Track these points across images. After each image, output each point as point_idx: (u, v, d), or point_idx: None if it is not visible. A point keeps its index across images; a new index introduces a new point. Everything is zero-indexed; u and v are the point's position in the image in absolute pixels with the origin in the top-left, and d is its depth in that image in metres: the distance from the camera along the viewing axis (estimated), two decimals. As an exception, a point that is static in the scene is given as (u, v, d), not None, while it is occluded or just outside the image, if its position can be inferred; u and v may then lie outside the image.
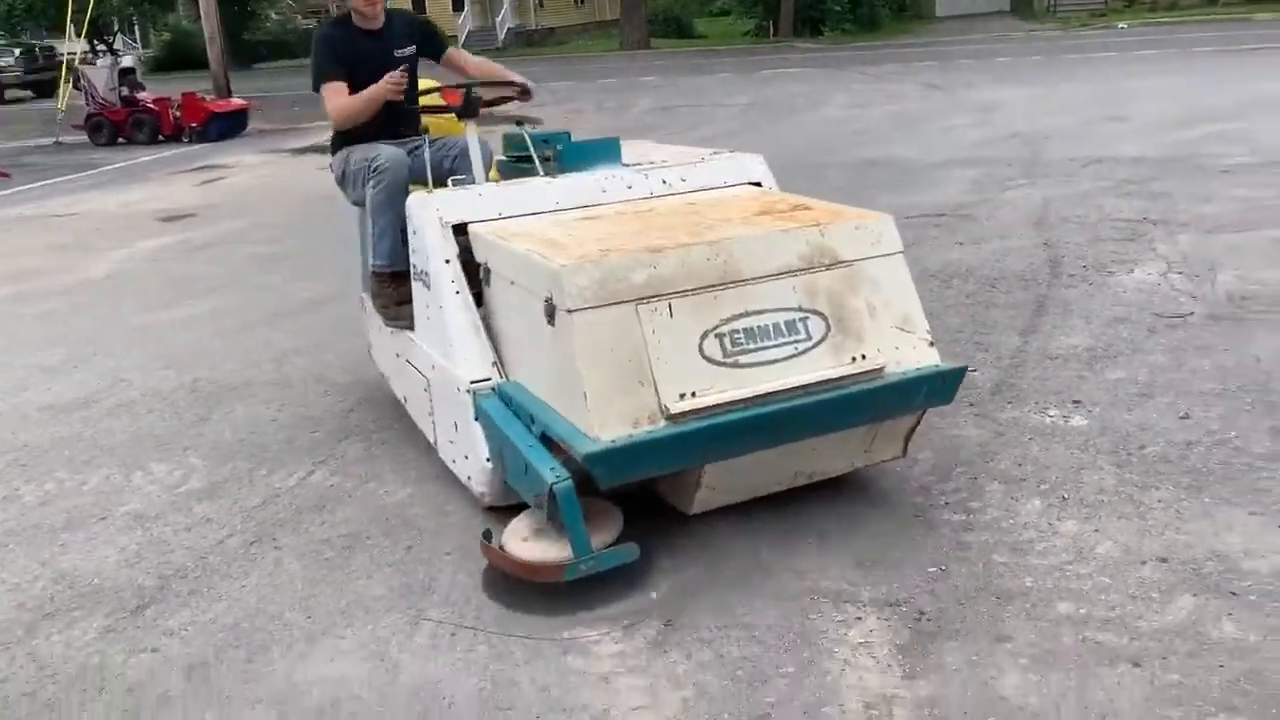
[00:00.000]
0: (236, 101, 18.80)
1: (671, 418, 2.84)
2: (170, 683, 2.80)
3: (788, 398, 2.93)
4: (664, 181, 3.78)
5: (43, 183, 13.96)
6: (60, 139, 18.46)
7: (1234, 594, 2.80)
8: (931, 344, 3.18)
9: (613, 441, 2.79)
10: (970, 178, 9.02)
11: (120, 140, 17.74)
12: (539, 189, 3.69)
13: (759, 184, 3.86)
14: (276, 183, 12.63)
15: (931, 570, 3.02)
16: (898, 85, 17.99)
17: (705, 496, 3.15)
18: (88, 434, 4.66)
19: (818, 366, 2.99)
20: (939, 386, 3.15)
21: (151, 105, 17.77)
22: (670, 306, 2.90)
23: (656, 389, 2.85)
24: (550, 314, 2.93)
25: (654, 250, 2.94)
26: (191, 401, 4.98)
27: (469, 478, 3.50)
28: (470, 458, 3.43)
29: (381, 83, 4.02)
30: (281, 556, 3.43)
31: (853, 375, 3.01)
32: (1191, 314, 5.05)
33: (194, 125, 17.47)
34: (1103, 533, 3.15)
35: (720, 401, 2.88)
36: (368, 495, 3.83)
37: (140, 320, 6.59)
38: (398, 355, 4.17)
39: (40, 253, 9.10)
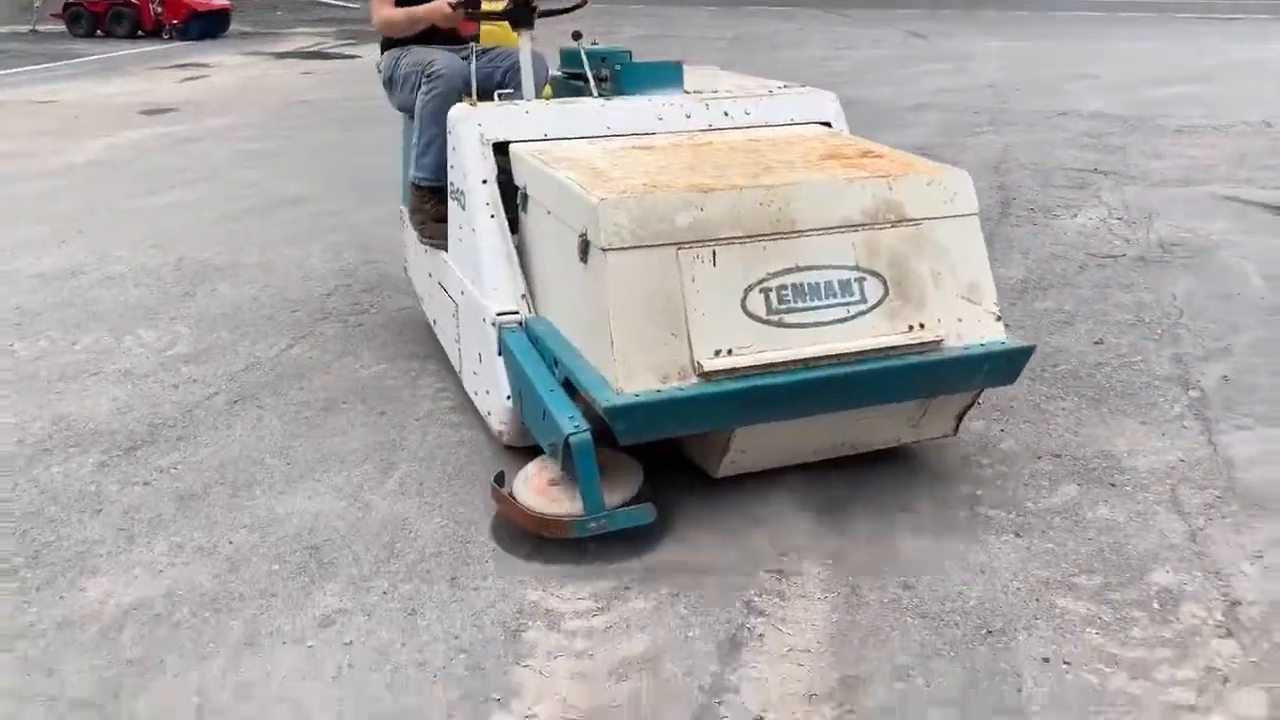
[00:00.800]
0: (219, 1, 18.64)
1: (704, 375, 2.65)
2: (162, 509, 3.11)
3: (834, 364, 2.72)
4: (726, 114, 3.53)
5: (20, 69, 13.91)
6: (37, 27, 18.29)
7: (1112, 485, 3.18)
8: (999, 318, 2.92)
9: (636, 396, 2.61)
10: (939, 122, 9.31)
11: (99, 33, 17.63)
12: (591, 111, 3.47)
13: (828, 124, 3.61)
14: (258, 84, 12.68)
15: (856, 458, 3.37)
16: (881, 31, 18.14)
17: (734, 460, 2.97)
18: (77, 301, 4.91)
19: (870, 333, 2.77)
20: (1002, 365, 2.91)
21: (133, -1, 17.61)
22: (714, 254, 2.69)
23: (690, 343, 2.66)
24: (584, 251, 2.74)
25: (703, 190, 2.72)
26: (177, 278, 5.23)
27: (489, 413, 3.36)
28: (491, 393, 3.29)
29: (437, 7, 3.82)
30: (263, 414, 3.73)
31: (908, 345, 2.79)
32: (1123, 255, 5.41)
33: (175, 23, 17.36)
34: (1007, 433, 3.52)
35: (759, 363, 2.68)
36: (344, 368, 4.13)
37: (126, 204, 6.78)
38: (430, 275, 4.05)
39: (21, 137, 9.20)
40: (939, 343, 2.83)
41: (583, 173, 2.93)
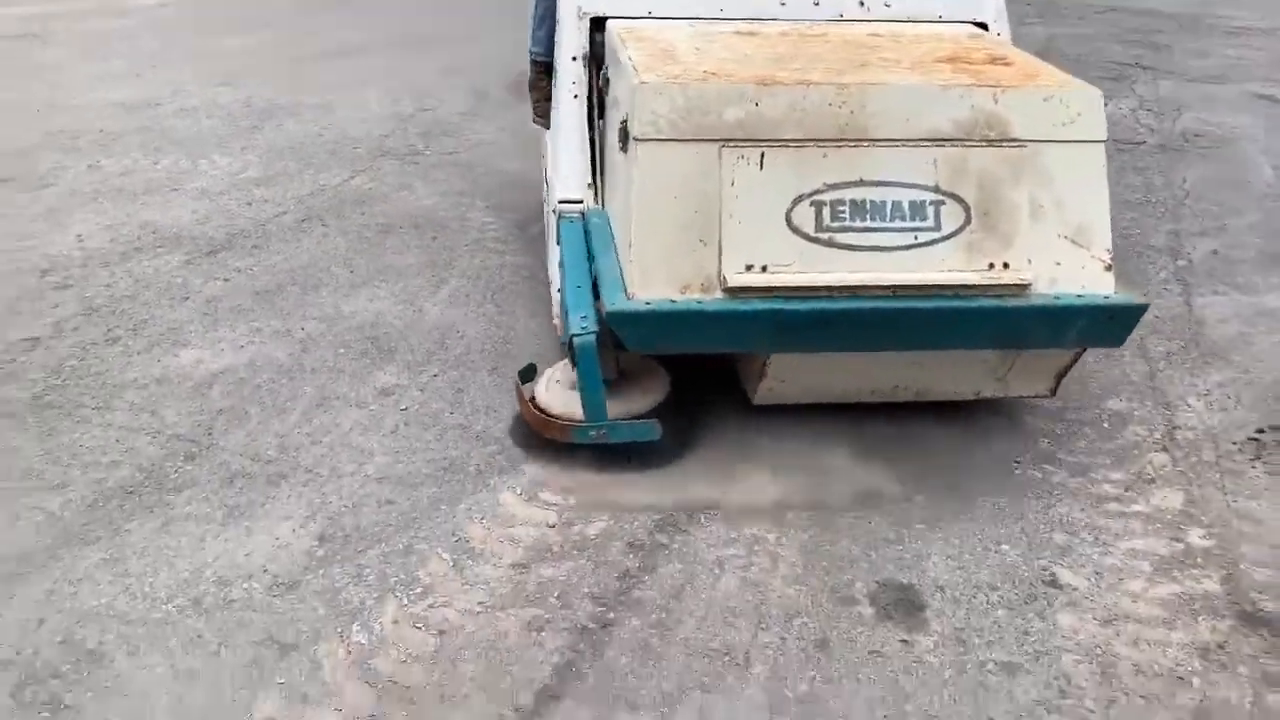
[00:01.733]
0: None
1: (729, 290, 2.40)
2: (241, 300, 3.54)
3: (886, 296, 2.41)
4: (861, 3, 3.15)
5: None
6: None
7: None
8: (1109, 267, 2.50)
9: (647, 304, 2.40)
10: (988, 11, 9.35)
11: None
12: None
13: (985, 26, 3.14)
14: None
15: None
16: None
17: (771, 389, 2.76)
18: (156, 128, 5.30)
19: (939, 265, 2.42)
20: (1103, 323, 2.50)
21: None
22: (762, 156, 2.41)
23: (720, 253, 2.40)
24: (624, 138, 2.54)
25: (763, 83, 2.42)
26: (246, 114, 5.59)
27: (553, 303, 3.19)
28: (551, 282, 3.20)
29: None
30: (328, 232, 4.12)
31: (984, 286, 2.43)
32: (1144, 143, 5.62)
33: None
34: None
35: (795, 284, 2.40)
36: (400, 199, 4.50)
37: (195, 45, 7.11)
38: (543, 156, 3.86)
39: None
40: (1024, 287, 2.44)
41: (650, 53, 2.67)
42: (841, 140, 2.41)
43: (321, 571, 2.31)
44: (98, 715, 1.96)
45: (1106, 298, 2.48)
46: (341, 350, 3.24)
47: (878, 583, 2.34)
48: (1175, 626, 2.22)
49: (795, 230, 2.41)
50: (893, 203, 2.42)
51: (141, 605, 2.21)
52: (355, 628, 2.16)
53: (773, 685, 2.04)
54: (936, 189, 2.44)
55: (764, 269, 2.41)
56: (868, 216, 2.42)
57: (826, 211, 2.41)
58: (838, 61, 2.65)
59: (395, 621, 2.17)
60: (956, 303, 2.42)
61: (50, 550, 2.37)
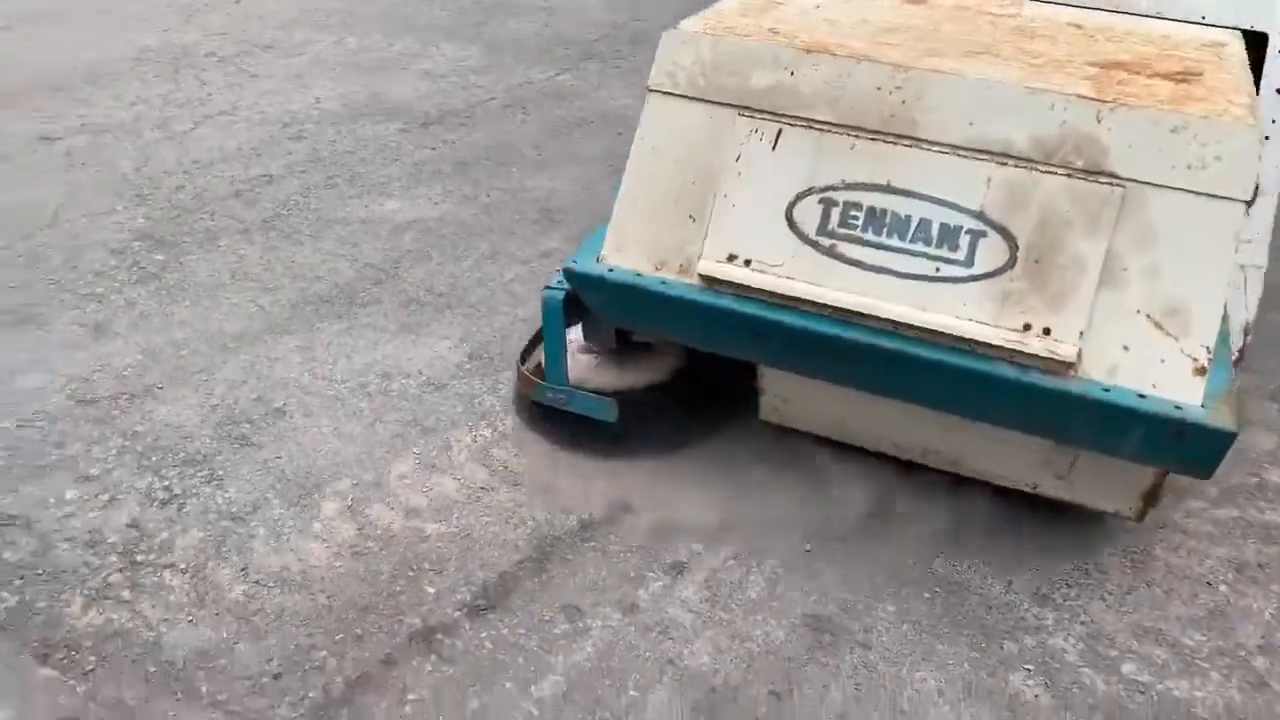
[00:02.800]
0: None
1: (702, 279, 2.08)
2: (442, 167, 4.03)
3: (882, 332, 1.98)
4: None
5: None
6: None
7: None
8: (1201, 370, 1.86)
9: (609, 272, 2.15)
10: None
11: None
12: None
13: (1265, 37, 2.45)
14: None
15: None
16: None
17: (775, 408, 2.48)
18: (397, 15, 5.87)
19: (958, 310, 1.94)
20: (1171, 442, 1.89)
21: None
22: (779, 134, 2.06)
23: (706, 234, 2.09)
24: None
25: (805, 50, 2.07)
26: (474, 10, 6.09)
27: None
28: None
29: None
30: (527, 119, 4.56)
31: (1007, 350, 1.91)
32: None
33: None
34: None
35: (776, 291, 2.02)
36: (597, 97, 4.88)
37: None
38: None
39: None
40: (1064, 365, 1.89)
41: (750, 6, 2.39)
42: (880, 133, 2.00)
43: (465, 380, 2.75)
44: (274, 452, 2.47)
45: (1179, 409, 1.84)
46: (517, 217, 3.67)
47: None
48: (1217, 545, 2.34)
49: (794, 227, 2.03)
50: (920, 220, 1.97)
51: (320, 382, 2.72)
52: (483, 425, 2.59)
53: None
54: (981, 215, 1.94)
55: (747, 263, 2.05)
56: (884, 231, 1.98)
57: (836, 213, 2.01)
58: (965, 44, 2.20)
59: (514, 428, 2.58)
60: (967, 361, 1.93)
61: (258, 334, 2.91)
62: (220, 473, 2.40)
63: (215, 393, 2.67)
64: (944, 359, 1.94)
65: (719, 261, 2.07)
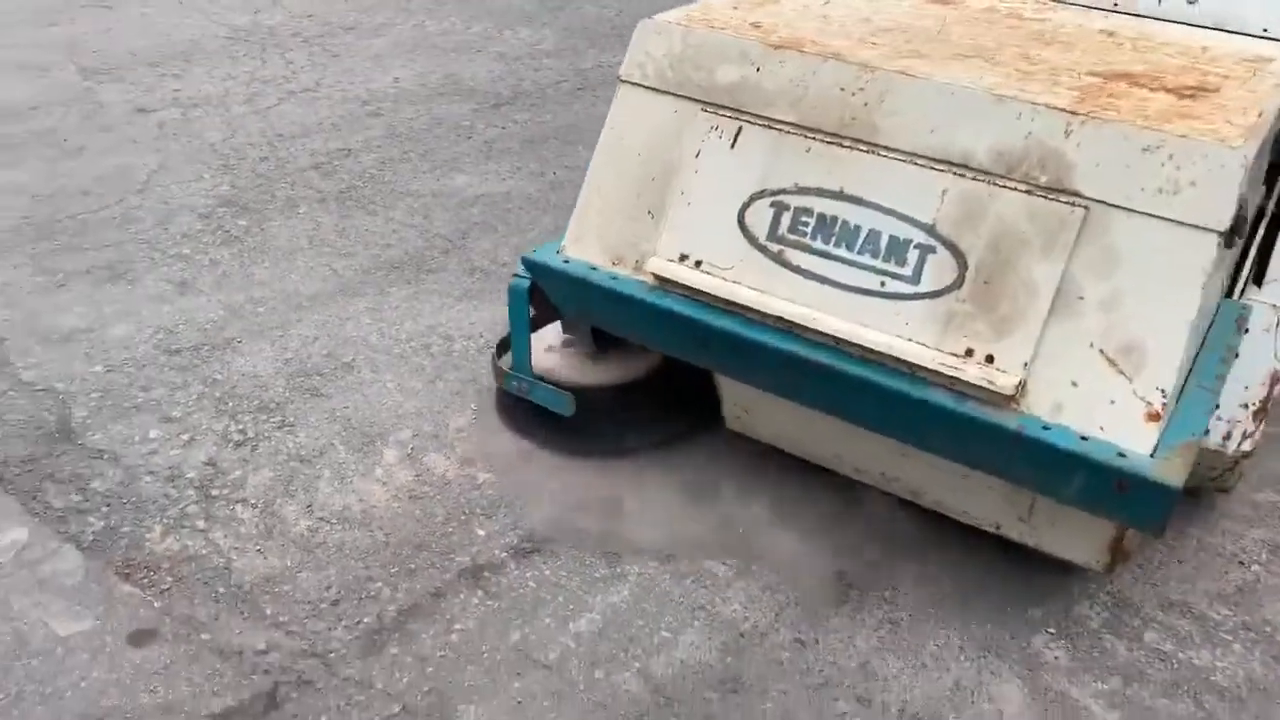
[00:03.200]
0: None
1: (654, 277, 2.04)
2: (511, 144, 4.17)
3: (819, 345, 1.89)
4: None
5: None
6: None
7: None
8: (1155, 416, 1.69)
9: (565, 263, 2.15)
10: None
11: None
12: None
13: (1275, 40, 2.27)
14: None
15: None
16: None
17: (737, 416, 2.40)
18: (474, 1, 6.05)
19: (899, 329, 1.83)
20: (1111, 492, 1.72)
21: None
22: (739, 132, 1.99)
23: (661, 232, 2.05)
24: None
25: (778, 46, 2.00)
26: (552, -4, 6.26)
27: None
28: None
29: None
30: (596, 100, 4.67)
31: (945, 376, 1.79)
32: None
33: None
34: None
35: (720, 295, 1.96)
36: (666, 82, 4.98)
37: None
38: None
39: None
40: (1004, 398, 1.75)
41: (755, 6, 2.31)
42: (838, 136, 1.91)
43: (522, 344, 2.88)
44: (341, 402, 2.63)
45: (1123, 455, 1.67)
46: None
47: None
48: (1252, 526, 2.36)
49: (745, 230, 1.97)
50: (870, 231, 1.87)
51: (387, 341, 2.87)
52: (537, 385, 2.71)
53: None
54: (932, 229, 1.83)
55: (698, 264, 2.00)
56: (832, 240, 1.89)
57: (786, 218, 1.93)
58: (961, 48, 2.07)
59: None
60: (903, 385, 1.82)
61: (331, 295, 3.08)
62: (291, 419, 2.56)
63: (289, 347, 2.83)
64: (880, 380, 1.83)
65: (670, 260, 2.02)
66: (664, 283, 2.02)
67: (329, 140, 4.10)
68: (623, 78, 2.14)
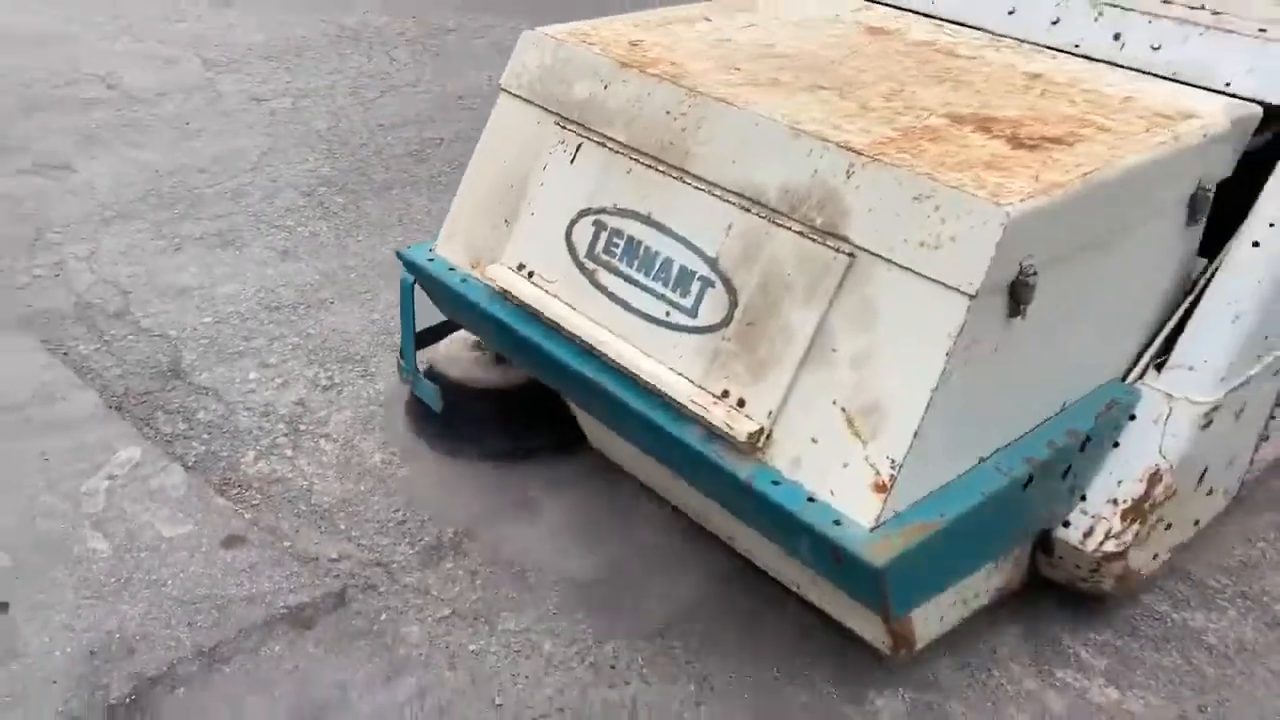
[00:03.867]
0: None
1: (495, 284, 2.08)
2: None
3: (605, 368, 1.89)
4: (1118, 38, 2.22)
5: None
6: None
7: None
8: (882, 487, 1.58)
9: (429, 261, 2.23)
10: None
11: None
12: None
13: (1236, 98, 2.04)
14: None
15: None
16: None
17: (591, 432, 2.43)
18: (577, 3, 6.34)
19: (672, 361, 1.81)
20: (828, 560, 1.65)
21: None
22: (578, 149, 2.01)
23: (508, 241, 2.09)
24: None
25: (626, 65, 1.99)
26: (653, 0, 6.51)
27: None
28: None
29: None
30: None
31: (690, 411, 1.76)
32: None
33: None
34: None
35: (535, 308, 1.99)
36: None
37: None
38: None
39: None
40: (749, 445, 1.69)
41: (669, 17, 2.32)
42: (656, 159, 1.90)
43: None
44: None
45: (837, 524, 1.58)
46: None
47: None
48: None
49: (570, 246, 1.98)
50: (665, 259, 1.85)
51: (462, 307, 3.14)
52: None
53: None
54: (714, 263, 1.79)
55: (530, 275, 2.02)
56: (635, 264, 1.89)
57: (603, 238, 1.94)
58: (831, 79, 2.00)
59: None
60: (663, 419, 1.79)
61: (416, 266, 3.36)
62: (373, 370, 2.85)
63: (376, 310, 3.12)
64: (646, 412, 1.80)
65: (509, 269, 2.05)
66: (502, 290, 2.06)
67: (424, 130, 4.41)
68: (502, 85, 2.18)
